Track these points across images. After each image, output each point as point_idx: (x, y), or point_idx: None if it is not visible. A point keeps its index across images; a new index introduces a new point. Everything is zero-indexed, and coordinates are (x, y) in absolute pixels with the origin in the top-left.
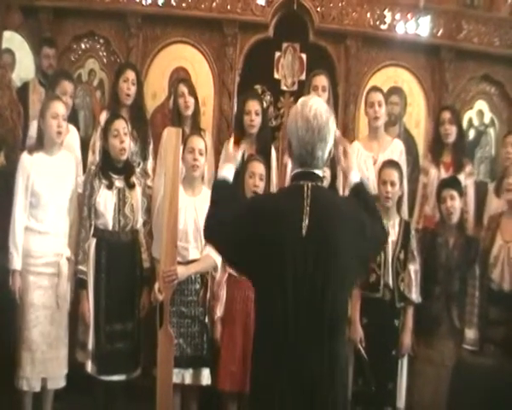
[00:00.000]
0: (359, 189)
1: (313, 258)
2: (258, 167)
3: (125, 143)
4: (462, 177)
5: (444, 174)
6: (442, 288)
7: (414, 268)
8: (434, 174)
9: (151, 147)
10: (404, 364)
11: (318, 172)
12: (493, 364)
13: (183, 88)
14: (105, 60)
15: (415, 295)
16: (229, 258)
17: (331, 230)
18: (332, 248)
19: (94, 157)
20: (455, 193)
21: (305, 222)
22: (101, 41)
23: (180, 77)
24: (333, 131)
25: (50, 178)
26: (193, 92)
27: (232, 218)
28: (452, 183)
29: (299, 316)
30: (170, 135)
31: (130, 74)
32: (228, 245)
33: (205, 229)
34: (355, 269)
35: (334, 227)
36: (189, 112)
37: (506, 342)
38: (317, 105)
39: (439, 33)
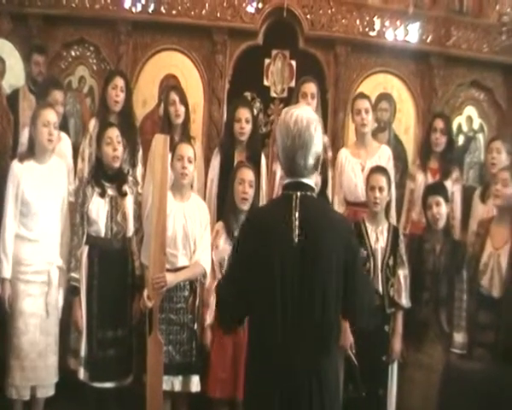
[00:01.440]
0: None
1: (302, 266)
2: (247, 174)
3: (118, 151)
4: (448, 183)
5: (430, 180)
6: (430, 293)
7: (403, 273)
8: (421, 180)
9: (140, 154)
10: (394, 369)
11: (307, 181)
12: (482, 367)
13: (174, 96)
14: (95, 67)
15: (405, 301)
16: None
17: (321, 240)
18: (323, 257)
19: (83, 164)
20: (441, 199)
21: (295, 232)
22: (91, 48)
23: (171, 84)
24: (317, 137)
25: (41, 186)
26: (184, 100)
27: (233, 259)
28: (438, 189)
29: (292, 326)
30: (158, 142)
31: (119, 81)
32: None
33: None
34: (343, 283)
35: (324, 237)
36: (180, 120)
37: (495, 346)
38: (298, 112)
39: (429, 40)
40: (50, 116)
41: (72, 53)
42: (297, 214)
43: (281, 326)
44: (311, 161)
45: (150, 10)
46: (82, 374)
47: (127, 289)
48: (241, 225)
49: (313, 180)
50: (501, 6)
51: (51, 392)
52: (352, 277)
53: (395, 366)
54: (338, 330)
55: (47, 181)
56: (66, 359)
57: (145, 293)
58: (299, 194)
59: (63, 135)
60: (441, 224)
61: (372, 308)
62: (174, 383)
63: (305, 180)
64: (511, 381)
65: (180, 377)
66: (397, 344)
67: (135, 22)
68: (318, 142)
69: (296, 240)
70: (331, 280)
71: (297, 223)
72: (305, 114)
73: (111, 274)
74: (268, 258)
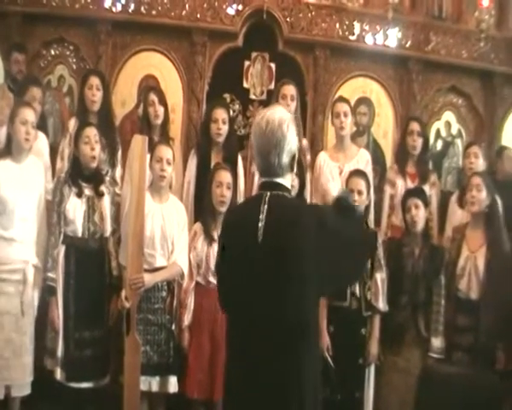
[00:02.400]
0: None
1: (269, 266)
2: (225, 177)
3: (95, 150)
4: (426, 187)
5: (410, 185)
6: (408, 297)
7: (381, 277)
8: (401, 185)
9: (119, 154)
10: (371, 372)
11: (281, 180)
12: (459, 371)
13: (154, 96)
14: (74, 66)
15: (382, 304)
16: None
17: (287, 237)
18: (289, 255)
19: (62, 164)
20: (419, 202)
21: (261, 230)
22: (71, 47)
23: (150, 85)
24: (290, 136)
25: (17, 185)
26: (163, 101)
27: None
28: (417, 192)
29: (261, 324)
30: (136, 143)
31: (94, 80)
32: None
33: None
34: (322, 275)
35: (291, 234)
36: (159, 121)
37: (473, 349)
38: (271, 112)
39: (408, 45)
40: (28, 115)
41: (52, 52)
42: (264, 213)
43: (253, 324)
44: (285, 159)
45: (130, 10)
46: (59, 374)
47: (104, 290)
48: (221, 228)
49: (288, 180)
50: (479, 12)
51: (27, 391)
52: (331, 262)
53: (372, 369)
54: (316, 326)
55: (23, 180)
56: (43, 359)
57: (123, 293)
58: (269, 193)
59: (40, 134)
60: (419, 227)
61: (351, 277)
62: (151, 383)
63: (279, 180)
64: (489, 384)
65: (157, 378)
66: (373, 347)
67: (115, 22)
68: (292, 140)
69: (260, 238)
70: (302, 275)
71: (263, 222)
72: (278, 113)
73: (88, 274)
74: (236, 256)
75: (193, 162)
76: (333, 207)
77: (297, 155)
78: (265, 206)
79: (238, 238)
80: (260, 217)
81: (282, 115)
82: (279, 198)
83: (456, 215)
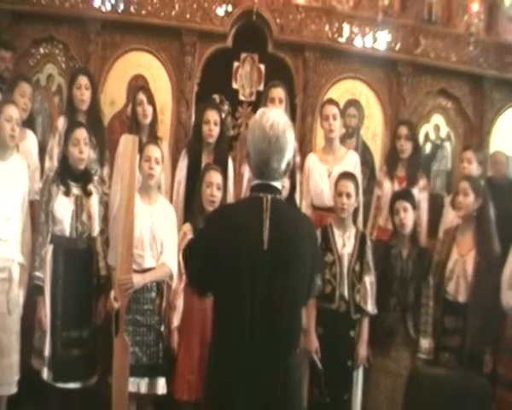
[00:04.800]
0: None
1: (273, 271)
2: (215, 177)
3: (84, 153)
4: (415, 191)
5: (397, 187)
6: (397, 299)
7: (369, 280)
8: (388, 187)
9: (108, 153)
10: (359, 375)
11: (277, 184)
12: (447, 373)
13: (142, 96)
14: (63, 65)
15: (370, 307)
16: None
17: (291, 244)
18: (291, 261)
19: (51, 163)
20: (408, 205)
21: (266, 236)
22: (60, 46)
23: (139, 85)
24: (291, 143)
25: (1, 183)
26: (151, 101)
27: (198, 243)
28: (405, 195)
29: (257, 327)
30: (126, 142)
31: (83, 80)
32: (200, 264)
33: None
34: (308, 284)
35: (293, 241)
36: (147, 120)
37: (461, 351)
38: (274, 116)
39: (397, 47)
40: (13, 112)
41: (41, 50)
42: (268, 219)
43: (249, 328)
44: (284, 165)
45: (120, 10)
46: (46, 374)
47: (92, 290)
48: (209, 216)
49: (281, 183)
50: (469, 16)
51: (13, 390)
52: (316, 275)
53: (360, 371)
54: (301, 329)
55: (7, 178)
56: (31, 359)
57: (112, 294)
58: (269, 197)
59: (29, 132)
60: (408, 230)
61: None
62: (140, 384)
63: (273, 183)
64: (477, 386)
65: (146, 379)
66: (362, 350)
67: (104, 21)
68: (291, 147)
69: (266, 244)
70: (300, 284)
71: (267, 227)
72: (282, 118)
73: (76, 274)
74: (237, 260)
75: (183, 163)
76: None
77: (292, 162)
78: (268, 211)
79: (240, 239)
80: (264, 222)
81: (285, 120)
82: (279, 203)
83: (449, 217)
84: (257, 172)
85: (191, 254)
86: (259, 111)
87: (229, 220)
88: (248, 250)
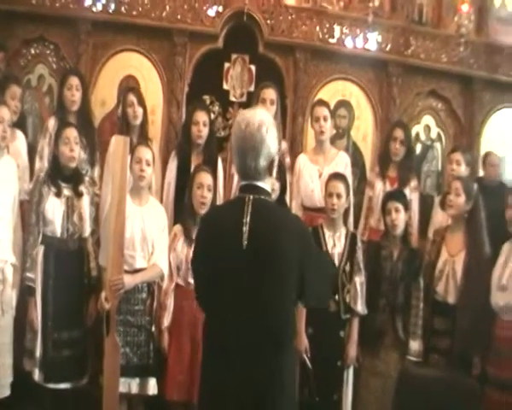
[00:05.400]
0: None
1: (253, 270)
2: (206, 179)
3: (74, 151)
4: (407, 191)
5: (389, 188)
6: (387, 300)
7: (360, 280)
8: (380, 188)
9: (98, 154)
10: (349, 375)
11: (262, 184)
12: (436, 374)
13: (132, 97)
14: (54, 66)
15: (360, 307)
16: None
17: (271, 242)
18: (273, 259)
19: (41, 163)
20: (400, 206)
21: (245, 234)
22: (51, 46)
23: (129, 86)
24: (269, 140)
25: None
26: (142, 102)
27: (193, 258)
28: (398, 196)
29: (242, 328)
30: (117, 143)
31: (74, 81)
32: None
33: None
34: (298, 281)
35: (274, 239)
36: (138, 122)
37: (450, 352)
38: (251, 114)
39: (388, 48)
40: (4, 113)
41: (32, 51)
42: (248, 218)
43: (234, 329)
44: (262, 163)
45: (111, 10)
46: (37, 375)
47: (83, 290)
48: (199, 226)
49: (268, 184)
50: (459, 17)
51: (7, 392)
52: (308, 274)
53: (350, 371)
54: (293, 330)
55: None
56: (22, 359)
57: (103, 294)
58: (251, 197)
59: (19, 133)
60: (399, 230)
61: (327, 295)
62: (131, 385)
63: (259, 183)
64: (467, 388)
65: (137, 380)
66: (352, 350)
67: (95, 22)
68: (271, 144)
69: (245, 243)
70: (285, 283)
71: (247, 226)
72: (258, 115)
73: (67, 275)
74: (217, 261)
75: (173, 164)
76: None
77: (276, 160)
78: (249, 209)
79: (220, 241)
80: (244, 221)
81: (262, 118)
82: (263, 202)
83: (438, 218)
84: (239, 172)
85: (193, 272)
86: (240, 112)
87: (211, 225)
88: (227, 252)
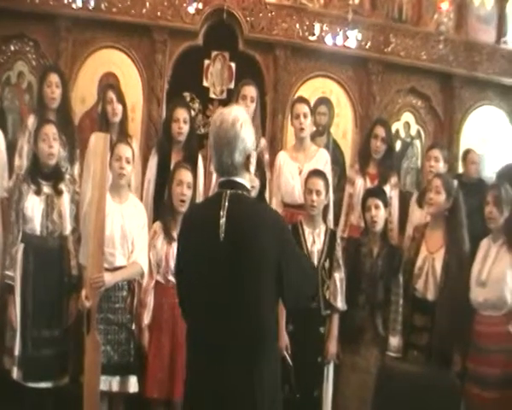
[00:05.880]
0: None
1: (230, 264)
2: (186, 176)
3: (53, 148)
4: (387, 188)
5: (369, 185)
6: (366, 296)
7: (339, 276)
8: (360, 185)
9: (78, 152)
10: (329, 371)
11: (239, 179)
12: (416, 369)
13: (112, 94)
14: (34, 62)
15: (340, 303)
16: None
17: (248, 236)
18: (250, 252)
19: (21, 161)
20: (379, 202)
21: (222, 229)
22: (31, 43)
23: (109, 83)
24: (244, 135)
25: None
26: (121, 99)
27: (175, 264)
28: (377, 192)
29: (221, 322)
30: (97, 141)
31: (54, 77)
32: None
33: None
34: (276, 275)
35: (251, 233)
36: (117, 119)
37: (429, 349)
38: (226, 111)
39: (367, 46)
40: None
41: (12, 47)
42: (224, 212)
43: (212, 325)
44: (238, 158)
45: (90, 7)
46: (15, 373)
47: (63, 289)
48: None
49: (246, 180)
50: (439, 15)
51: None
52: (287, 269)
53: (331, 367)
54: (274, 328)
55: None
56: (2, 358)
57: (83, 292)
58: (228, 192)
59: None
60: (379, 227)
61: (306, 293)
62: (112, 383)
63: (236, 179)
64: (447, 384)
65: (118, 378)
66: (332, 346)
67: (75, 18)
68: (246, 139)
69: (222, 237)
70: (263, 277)
71: (224, 220)
72: (233, 112)
73: (46, 273)
74: (195, 256)
75: (153, 161)
76: None
77: (253, 155)
78: (226, 204)
79: (198, 236)
80: (221, 214)
81: (236, 114)
82: (239, 197)
83: (416, 215)
84: (217, 169)
85: (175, 275)
86: (218, 110)
87: (191, 223)
88: (205, 246)
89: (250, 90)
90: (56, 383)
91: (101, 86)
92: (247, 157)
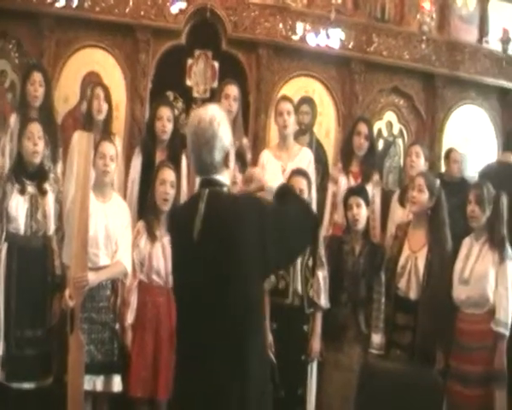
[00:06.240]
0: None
1: (209, 261)
2: (169, 175)
3: (38, 146)
4: (370, 186)
5: (353, 183)
6: (349, 294)
7: (322, 274)
8: (344, 183)
9: (61, 150)
10: (313, 369)
11: (219, 177)
12: (398, 367)
13: (100, 91)
14: (17, 61)
15: (323, 301)
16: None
17: (226, 233)
18: (229, 249)
19: (3, 160)
20: (361, 201)
21: (198, 227)
22: (13, 42)
23: (98, 81)
24: (222, 133)
25: None
26: (108, 98)
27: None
28: (359, 191)
29: (207, 322)
30: (81, 139)
31: (37, 76)
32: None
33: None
34: (269, 258)
35: (229, 230)
36: (101, 117)
37: (411, 347)
38: (202, 111)
39: (350, 45)
40: None
41: None
42: (202, 210)
43: (198, 325)
44: (217, 156)
45: (74, 6)
46: None
47: (47, 288)
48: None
49: (226, 177)
50: (421, 15)
51: None
52: (276, 244)
53: (314, 365)
54: (261, 322)
55: None
56: None
57: (67, 292)
58: (207, 190)
59: None
60: (360, 226)
61: (303, 242)
62: (96, 382)
63: (215, 176)
64: (430, 382)
65: (102, 377)
66: (316, 344)
67: (58, 17)
68: (224, 137)
69: (199, 234)
70: (247, 272)
71: (200, 218)
72: (209, 111)
73: (30, 272)
74: (179, 257)
75: (137, 160)
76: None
77: (231, 152)
78: (204, 202)
79: (180, 237)
80: (198, 213)
81: (213, 113)
82: (217, 193)
83: (397, 213)
84: (196, 168)
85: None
86: (195, 110)
87: (174, 224)
88: (182, 243)
89: (233, 90)
90: (40, 383)
91: (90, 82)
92: (226, 155)
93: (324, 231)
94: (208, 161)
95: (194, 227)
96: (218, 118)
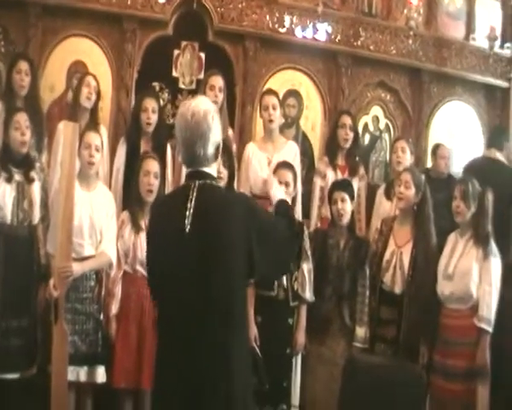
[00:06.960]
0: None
1: (197, 254)
2: (153, 166)
3: (25, 135)
4: (355, 180)
5: (340, 177)
6: (333, 288)
7: (307, 267)
8: (332, 177)
9: (46, 140)
10: (298, 362)
11: (208, 169)
12: (383, 361)
13: (91, 80)
14: (3, 49)
15: (308, 294)
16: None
17: (215, 226)
18: (216, 243)
19: None
20: (346, 195)
21: (188, 219)
22: (0, 30)
23: (85, 71)
24: (215, 127)
25: None
26: (97, 89)
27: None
28: (344, 185)
29: (188, 312)
30: (66, 129)
31: (23, 65)
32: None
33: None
34: (247, 263)
35: (218, 223)
36: (89, 105)
37: (396, 341)
38: (196, 103)
39: (337, 39)
40: None
41: None
42: (192, 203)
43: (181, 317)
44: (210, 150)
45: None
46: None
47: (32, 278)
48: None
49: (214, 169)
50: (409, 10)
51: None
52: (261, 253)
53: (299, 358)
54: (244, 317)
55: None
56: None
57: (51, 282)
58: (197, 183)
59: None
60: (345, 220)
61: (286, 263)
62: (79, 373)
63: (205, 169)
64: (414, 375)
65: (85, 368)
66: (300, 337)
67: (45, 5)
68: (216, 131)
69: (188, 228)
70: (233, 267)
71: (191, 211)
72: (202, 104)
73: (16, 262)
74: (163, 249)
75: (122, 150)
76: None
77: (221, 145)
78: (194, 194)
79: (165, 228)
80: (188, 205)
81: (207, 107)
82: (207, 187)
83: (383, 207)
84: (185, 160)
85: (146, 265)
86: (183, 102)
87: (158, 216)
88: (171, 235)
89: (218, 80)
90: (24, 373)
91: (75, 72)
92: (217, 148)
93: (313, 225)
94: (201, 154)
95: (182, 219)
96: (211, 111)
